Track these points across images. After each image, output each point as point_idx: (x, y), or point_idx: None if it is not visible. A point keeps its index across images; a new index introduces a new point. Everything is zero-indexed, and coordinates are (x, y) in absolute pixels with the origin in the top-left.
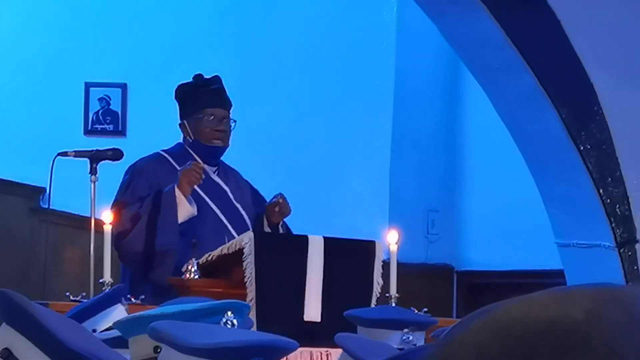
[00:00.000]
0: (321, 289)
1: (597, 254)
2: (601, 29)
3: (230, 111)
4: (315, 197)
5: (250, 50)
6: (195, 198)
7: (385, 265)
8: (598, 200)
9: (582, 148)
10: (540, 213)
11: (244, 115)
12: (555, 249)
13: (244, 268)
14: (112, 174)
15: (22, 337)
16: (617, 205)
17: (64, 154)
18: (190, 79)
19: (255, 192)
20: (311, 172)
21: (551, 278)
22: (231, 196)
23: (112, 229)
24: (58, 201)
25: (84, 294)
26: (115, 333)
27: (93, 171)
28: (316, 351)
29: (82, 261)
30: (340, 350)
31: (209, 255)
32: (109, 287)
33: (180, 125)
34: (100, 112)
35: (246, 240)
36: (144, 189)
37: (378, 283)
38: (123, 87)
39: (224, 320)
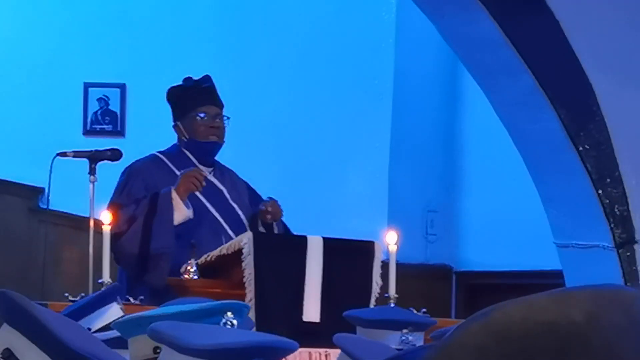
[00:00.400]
0: (320, 289)
1: (596, 255)
2: (600, 29)
3: (223, 109)
4: (314, 198)
5: (249, 50)
6: (191, 199)
7: (384, 265)
8: (597, 201)
9: (580, 148)
10: (539, 213)
11: (243, 116)
12: (554, 249)
13: (243, 268)
14: (111, 174)
15: (23, 337)
16: (616, 206)
17: (63, 154)
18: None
19: (252, 192)
20: (310, 172)
21: (550, 279)
22: (228, 196)
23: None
24: (57, 201)
25: (82, 294)
26: (114, 333)
27: (92, 171)
28: (315, 351)
29: (81, 261)
30: (339, 351)
31: (208, 256)
32: None
33: (174, 127)
34: (99, 112)
35: (245, 241)
36: (140, 190)
37: (377, 283)
38: (122, 87)
39: (224, 320)
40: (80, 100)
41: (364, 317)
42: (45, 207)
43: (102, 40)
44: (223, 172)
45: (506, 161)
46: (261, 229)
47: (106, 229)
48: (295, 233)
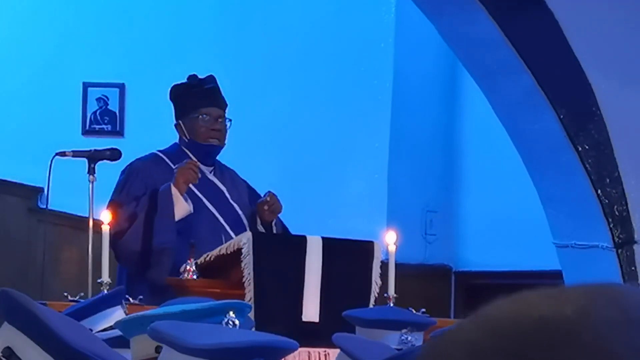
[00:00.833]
0: (319, 289)
1: (595, 255)
2: (599, 29)
3: (226, 110)
4: (314, 198)
5: (248, 50)
6: (191, 198)
7: (384, 265)
8: (596, 201)
9: (580, 148)
10: (538, 214)
11: (242, 116)
12: (553, 249)
13: (242, 268)
14: (110, 174)
15: (24, 336)
16: (615, 206)
17: (62, 154)
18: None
19: (252, 191)
20: (309, 172)
21: (549, 279)
22: (228, 196)
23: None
24: (56, 201)
25: (82, 294)
26: (115, 332)
27: (91, 171)
28: (314, 351)
29: (80, 261)
30: (338, 351)
31: (207, 256)
32: (107, 287)
33: (175, 125)
34: (98, 112)
35: (244, 241)
36: (140, 189)
37: (376, 283)
38: (121, 87)
39: (226, 320)
40: (79, 100)
41: (363, 317)
42: (44, 207)
43: (101, 40)
44: (223, 171)
45: (505, 161)
46: (260, 228)
47: (105, 228)
48: (294, 233)
